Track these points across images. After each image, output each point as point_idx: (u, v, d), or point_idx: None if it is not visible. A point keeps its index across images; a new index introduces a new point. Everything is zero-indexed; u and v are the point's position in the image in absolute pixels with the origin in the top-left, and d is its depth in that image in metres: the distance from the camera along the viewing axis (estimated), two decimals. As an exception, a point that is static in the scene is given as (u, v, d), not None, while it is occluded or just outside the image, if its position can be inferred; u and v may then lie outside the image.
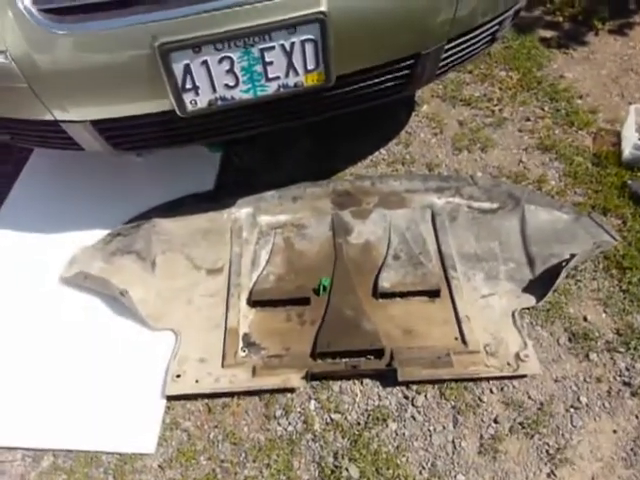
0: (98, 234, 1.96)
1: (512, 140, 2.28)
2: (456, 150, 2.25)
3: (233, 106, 1.48)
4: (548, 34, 2.79)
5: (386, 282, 1.79)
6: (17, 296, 1.86)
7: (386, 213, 1.98)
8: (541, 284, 1.78)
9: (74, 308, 1.81)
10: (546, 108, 2.40)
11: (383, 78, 1.60)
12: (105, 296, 1.83)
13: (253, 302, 1.78)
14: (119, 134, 1.59)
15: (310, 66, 1.44)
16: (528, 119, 2.36)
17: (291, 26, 1.34)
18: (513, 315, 1.72)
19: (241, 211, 2.00)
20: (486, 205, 2.00)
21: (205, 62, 1.37)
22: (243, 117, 1.59)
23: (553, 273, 1.77)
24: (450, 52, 1.66)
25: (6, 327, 1.79)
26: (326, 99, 1.60)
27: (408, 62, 1.58)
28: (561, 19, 2.86)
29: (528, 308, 1.76)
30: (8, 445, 1.58)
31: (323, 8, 1.33)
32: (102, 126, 1.53)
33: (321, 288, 1.78)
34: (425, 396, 1.60)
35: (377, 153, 2.25)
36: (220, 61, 1.38)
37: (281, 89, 1.47)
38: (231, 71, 1.40)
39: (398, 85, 1.66)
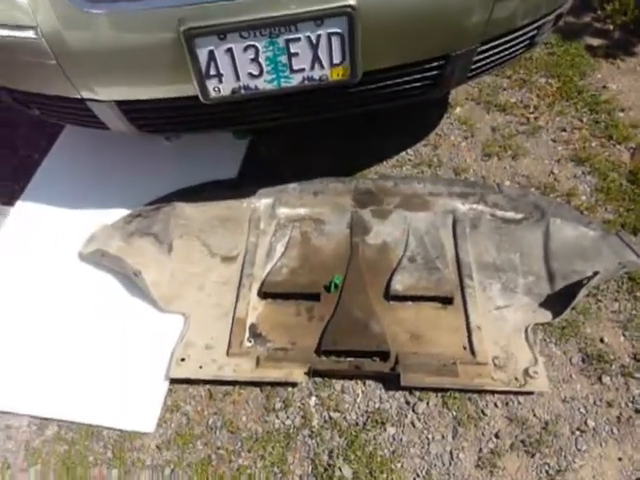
0: (119, 213, 1.99)
1: (545, 150, 2.21)
2: (485, 156, 2.19)
3: (256, 96, 1.48)
4: (595, 42, 2.69)
5: (399, 285, 1.76)
6: (34, 268, 1.91)
7: (407, 215, 1.95)
8: (559, 300, 1.73)
9: (88, 284, 1.85)
10: (584, 119, 2.31)
11: (411, 77, 1.57)
12: (120, 275, 1.86)
13: (264, 293, 1.78)
14: (142, 116, 1.60)
15: (336, 60, 1.42)
16: (564, 129, 2.28)
17: (318, 18, 1.32)
18: (526, 330, 1.68)
19: (261, 201, 2.00)
20: (510, 215, 1.95)
21: (230, 50, 1.36)
22: (266, 107, 1.58)
23: (573, 290, 1.71)
24: (483, 55, 1.61)
25: (21, 297, 1.84)
26: (351, 95, 1.58)
27: (438, 63, 1.54)
28: (611, 27, 2.75)
29: (543, 324, 1.70)
30: (16, 411, 1.63)
31: (352, 2, 1.31)
32: (126, 107, 1.55)
33: (332, 286, 1.76)
34: (427, 403, 1.58)
35: (404, 153, 2.21)
36: (245, 49, 1.37)
37: (305, 82, 1.46)
38: (255, 60, 1.40)
39: (426, 86, 1.62)
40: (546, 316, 1.72)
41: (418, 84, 1.61)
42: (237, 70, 1.41)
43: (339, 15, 1.32)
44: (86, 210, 2.04)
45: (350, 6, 1.31)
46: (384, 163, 2.18)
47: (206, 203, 1.99)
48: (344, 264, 1.84)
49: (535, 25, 1.63)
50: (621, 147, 2.20)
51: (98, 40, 1.40)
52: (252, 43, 1.36)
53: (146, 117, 1.61)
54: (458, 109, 2.39)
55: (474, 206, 1.97)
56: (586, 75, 2.51)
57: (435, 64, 1.54)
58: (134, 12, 1.34)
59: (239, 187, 2.04)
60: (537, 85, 2.46)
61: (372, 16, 1.35)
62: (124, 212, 1.99)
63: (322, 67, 1.43)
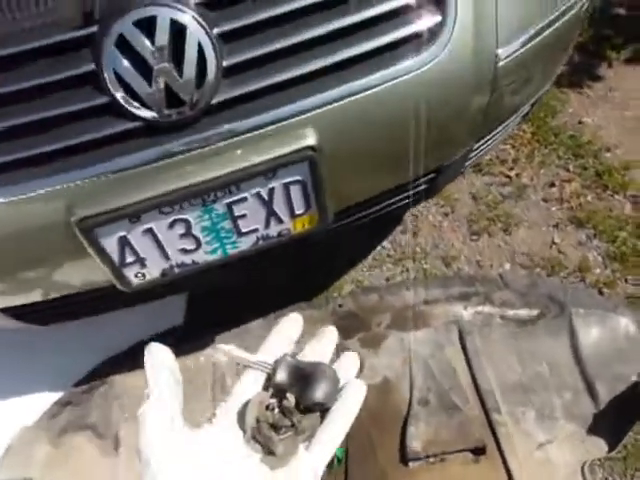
0: (40, 404, 1.52)
1: (538, 214, 1.90)
2: (474, 235, 1.86)
3: (196, 270, 1.07)
4: (555, 69, 2.41)
5: (415, 441, 1.39)
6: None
7: (403, 337, 1.59)
8: (609, 422, 1.41)
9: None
10: (571, 167, 2.02)
11: (396, 199, 1.21)
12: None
13: (248, 488, 1.36)
14: (41, 315, 1.16)
15: (299, 211, 1.03)
16: (552, 184, 1.98)
17: (268, 171, 0.93)
18: (582, 471, 1.34)
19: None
20: (524, 313, 1.62)
21: (149, 230, 0.95)
22: (212, 275, 1.17)
23: (624, 403, 1.40)
24: (477, 150, 1.27)
25: None
26: (322, 235, 1.20)
27: (428, 177, 1.18)
28: (568, 50, 2.48)
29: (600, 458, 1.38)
30: None
31: (311, 141, 0.92)
32: (15, 311, 1.10)
33: (335, 460, 1.37)
34: None
35: (380, 248, 1.85)
36: (171, 225, 0.96)
37: (260, 241, 1.06)
38: (188, 234, 0.99)
39: (415, 201, 1.27)
40: (600, 447, 1.39)
41: (405, 202, 1.25)
42: (164, 250, 1.00)
43: (296, 162, 0.94)
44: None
45: (310, 147, 0.93)
46: (359, 265, 1.81)
47: (152, 369, 1.56)
48: (341, 421, 1.45)
49: (531, 102, 1.31)
50: (619, 197, 1.92)
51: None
52: (179, 217, 0.95)
53: (48, 314, 1.17)
54: (429, 178, 2.04)
55: (479, 309, 1.63)
56: (557, 111, 2.23)
57: (425, 179, 1.18)
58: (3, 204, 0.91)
59: (190, 338, 1.62)
60: (509, 133, 2.15)
61: (340, 150, 0.97)
62: (48, 402, 1.52)
63: (281, 221, 1.04)
